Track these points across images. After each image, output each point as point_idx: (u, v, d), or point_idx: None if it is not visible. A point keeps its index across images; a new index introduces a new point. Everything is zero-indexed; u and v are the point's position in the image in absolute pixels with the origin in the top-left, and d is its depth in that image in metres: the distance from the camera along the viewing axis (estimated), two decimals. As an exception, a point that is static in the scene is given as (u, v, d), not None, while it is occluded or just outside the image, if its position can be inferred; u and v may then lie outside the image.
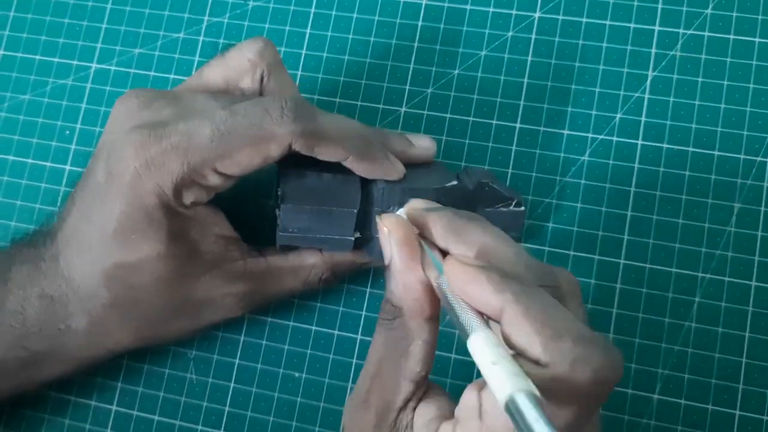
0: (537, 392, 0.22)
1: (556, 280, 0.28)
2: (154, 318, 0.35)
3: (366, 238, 0.36)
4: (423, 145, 0.37)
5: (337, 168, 0.34)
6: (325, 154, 0.34)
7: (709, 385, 0.36)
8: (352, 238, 0.35)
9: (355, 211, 0.35)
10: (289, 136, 0.32)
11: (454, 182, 0.35)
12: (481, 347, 0.24)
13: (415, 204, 0.31)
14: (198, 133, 0.32)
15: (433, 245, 0.29)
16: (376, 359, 0.29)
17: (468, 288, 0.26)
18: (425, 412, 0.28)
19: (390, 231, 0.29)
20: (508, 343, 0.25)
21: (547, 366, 0.24)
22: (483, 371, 0.24)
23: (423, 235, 0.29)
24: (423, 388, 0.29)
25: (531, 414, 0.22)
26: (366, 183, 0.35)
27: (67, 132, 0.43)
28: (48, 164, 0.43)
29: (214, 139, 0.32)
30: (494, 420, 0.24)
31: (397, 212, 0.31)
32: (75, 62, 0.44)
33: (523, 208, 0.36)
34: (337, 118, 0.35)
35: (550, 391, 0.24)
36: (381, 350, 0.29)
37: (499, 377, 0.23)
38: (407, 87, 0.41)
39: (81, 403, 0.40)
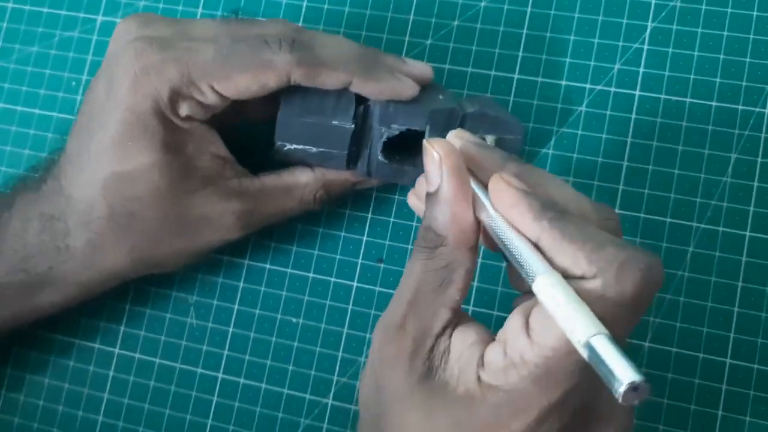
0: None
1: (612, 215, 0.28)
2: (150, 234, 0.35)
3: (360, 154, 0.36)
4: (417, 65, 0.36)
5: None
6: (328, 82, 0.34)
7: (701, 334, 0.35)
8: (346, 152, 0.35)
9: (350, 126, 0.34)
10: (287, 67, 0.33)
11: (454, 106, 0.35)
12: (550, 289, 0.24)
13: (464, 135, 0.31)
14: (201, 51, 0.33)
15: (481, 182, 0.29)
16: (413, 286, 0.28)
17: (510, 212, 0.27)
18: (464, 337, 0.28)
19: (442, 157, 0.28)
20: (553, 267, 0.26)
21: (595, 277, 0.25)
22: (554, 312, 0.24)
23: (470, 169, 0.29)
24: (458, 316, 0.29)
25: (611, 355, 0.23)
26: (363, 99, 0.35)
27: (74, 83, 0.43)
28: (55, 114, 0.43)
29: (215, 59, 0.33)
30: (543, 335, 0.25)
31: (447, 138, 0.30)
32: (82, 14, 0.44)
33: (519, 137, 0.36)
34: (334, 42, 0.35)
35: (604, 306, 0.24)
36: (419, 277, 0.28)
37: (573, 319, 0.23)
38: (407, 38, 0.40)
39: (85, 346, 0.40)
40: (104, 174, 0.33)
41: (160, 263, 0.36)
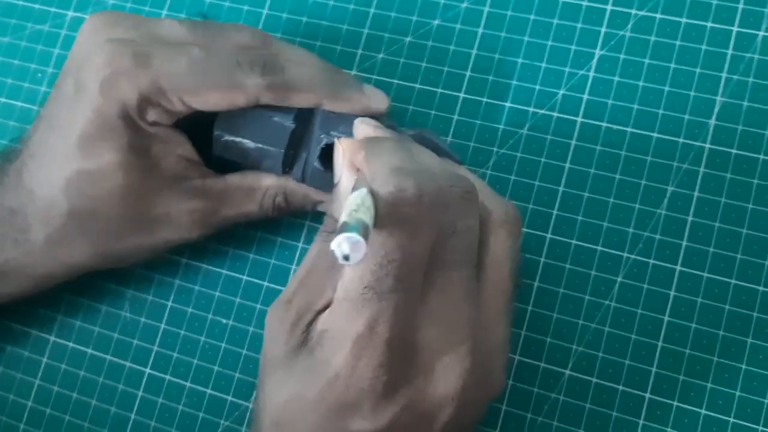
0: (368, 223, 0.23)
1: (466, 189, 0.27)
2: (111, 230, 0.33)
3: (298, 158, 0.34)
4: (374, 95, 0.34)
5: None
6: (298, 103, 0.33)
7: (623, 366, 0.33)
8: (282, 151, 0.33)
9: (291, 124, 0.33)
10: (257, 90, 0.32)
11: (391, 123, 0.33)
12: (353, 197, 0.25)
13: (369, 121, 0.31)
14: (173, 62, 0.32)
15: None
16: (308, 266, 0.28)
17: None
18: None
19: (345, 151, 0.28)
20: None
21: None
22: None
23: None
24: None
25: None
26: None
27: (39, 75, 0.42)
28: (19, 104, 0.42)
29: (188, 73, 0.32)
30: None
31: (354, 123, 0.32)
32: (53, 9, 0.43)
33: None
34: (302, 59, 0.34)
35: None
36: (314, 258, 0.28)
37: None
38: (359, 51, 0.39)
39: (22, 330, 0.39)
40: (68, 172, 0.32)
41: (120, 258, 0.35)
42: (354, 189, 0.26)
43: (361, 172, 0.27)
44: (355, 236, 0.22)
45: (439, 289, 0.26)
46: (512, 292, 0.29)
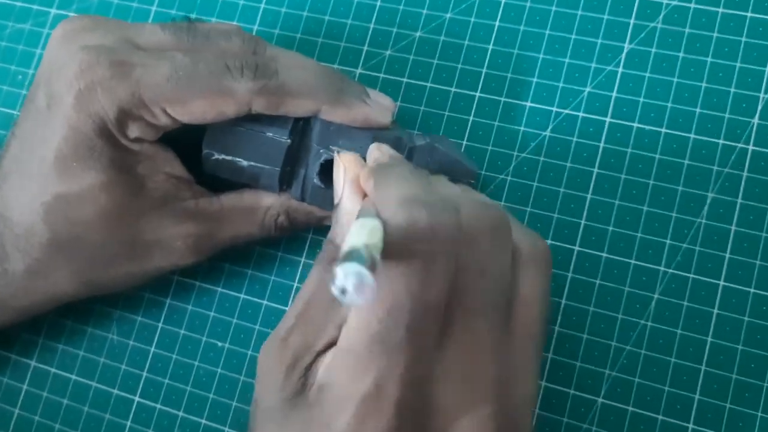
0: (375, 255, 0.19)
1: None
2: (96, 258, 0.30)
3: (295, 175, 0.31)
4: (381, 102, 0.31)
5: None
6: (294, 110, 0.29)
7: (662, 393, 0.29)
8: (278, 169, 0.30)
9: (286, 140, 0.30)
10: (248, 96, 0.28)
11: (397, 134, 0.30)
12: (359, 224, 0.21)
13: (383, 148, 0.28)
14: (155, 70, 0.28)
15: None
16: (306, 298, 0.25)
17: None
18: None
19: (346, 169, 0.26)
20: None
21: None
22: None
23: None
24: None
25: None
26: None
27: (20, 77, 0.39)
28: (-3, 109, 0.39)
29: (170, 81, 0.28)
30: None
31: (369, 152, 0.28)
32: (35, 7, 0.40)
33: (472, 180, 0.31)
34: (298, 63, 0.30)
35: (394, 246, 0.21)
36: (314, 290, 0.25)
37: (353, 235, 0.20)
38: (365, 48, 0.35)
39: (1, 355, 0.35)
40: (46, 197, 0.29)
41: (108, 287, 0.32)
42: (359, 216, 0.22)
43: (368, 198, 0.24)
44: (362, 269, 0.18)
45: (461, 340, 0.23)
46: (542, 338, 0.26)
